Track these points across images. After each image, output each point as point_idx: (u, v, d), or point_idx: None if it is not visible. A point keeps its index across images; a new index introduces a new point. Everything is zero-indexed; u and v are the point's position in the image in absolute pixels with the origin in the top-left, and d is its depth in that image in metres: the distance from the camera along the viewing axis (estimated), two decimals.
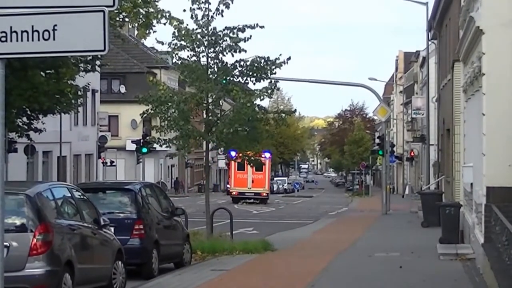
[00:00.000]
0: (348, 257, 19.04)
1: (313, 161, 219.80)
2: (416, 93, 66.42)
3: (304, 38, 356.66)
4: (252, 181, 55.28)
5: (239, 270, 16.63)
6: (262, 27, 20.64)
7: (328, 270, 16.22)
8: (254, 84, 21.20)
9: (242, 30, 20.65)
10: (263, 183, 55.80)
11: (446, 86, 28.75)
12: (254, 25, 20.62)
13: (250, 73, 20.82)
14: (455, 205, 21.00)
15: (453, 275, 15.14)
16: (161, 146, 21.50)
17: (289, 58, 20.93)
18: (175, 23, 20.84)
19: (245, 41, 20.64)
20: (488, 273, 12.82)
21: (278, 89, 22.18)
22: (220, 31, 20.81)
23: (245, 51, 20.64)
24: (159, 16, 23.58)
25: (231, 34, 20.69)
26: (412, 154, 66.35)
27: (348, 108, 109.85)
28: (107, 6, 7.90)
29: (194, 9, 20.75)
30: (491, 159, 14.24)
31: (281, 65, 20.78)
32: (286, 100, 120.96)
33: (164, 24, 21.54)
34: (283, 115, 22.48)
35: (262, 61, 20.70)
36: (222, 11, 20.75)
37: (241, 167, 53.19)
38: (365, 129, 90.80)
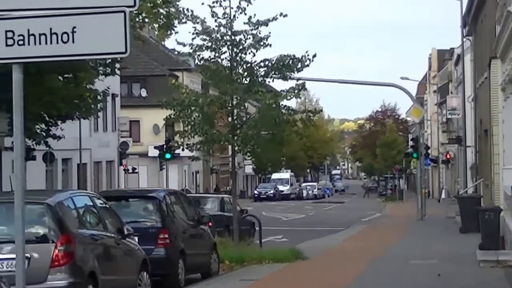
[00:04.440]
0: (382, 264, 18.48)
1: (343, 165, 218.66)
2: (451, 93, 65.01)
3: (332, 38, 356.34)
4: None
5: (269, 280, 16.14)
6: (285, 15, 20.27)
7: (362, 279, 15.70)
8: (273, 80, 20.72)
9: (265, 24, 20.18)
10: None
11: (483, 85, 28.04)
12: (277, 15, 20.19)
13: (275, 73, 20.31)
14: (495, 209, 20.37)
15: (495, 282, 14.65)
16: (183, 150, 21.03)
17: (314, 55, 20.48)
18: (197, 21, 20.33)
19: (266, 39, 20.17)
20: None
21: (306, 89, 21.63)
22: (243, 30, 20.33)
23: (270, 45, 20.18)
24: (180, 16, 23.12)
25: (253, 32, 20.19)
26: (448, 156, 65.13)
27: (380, 109, 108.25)
28: (127, 6, 7.54)
29: (214, 7, 20.30)
30: None
31: (308, 63, 20.27)
32: (314, 101, 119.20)
33: (185, 22, 21.10)
34: (311, 115, 21.99)
35: (288, 59, 20.20)
36: (244, 8, 20.28)
37: None
38: (397, 131, 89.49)
